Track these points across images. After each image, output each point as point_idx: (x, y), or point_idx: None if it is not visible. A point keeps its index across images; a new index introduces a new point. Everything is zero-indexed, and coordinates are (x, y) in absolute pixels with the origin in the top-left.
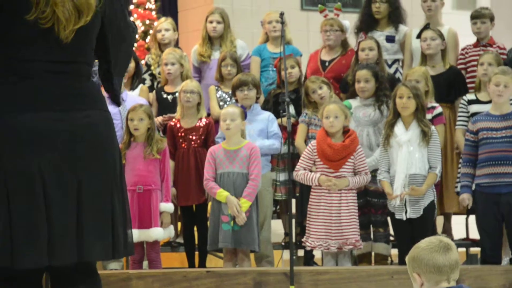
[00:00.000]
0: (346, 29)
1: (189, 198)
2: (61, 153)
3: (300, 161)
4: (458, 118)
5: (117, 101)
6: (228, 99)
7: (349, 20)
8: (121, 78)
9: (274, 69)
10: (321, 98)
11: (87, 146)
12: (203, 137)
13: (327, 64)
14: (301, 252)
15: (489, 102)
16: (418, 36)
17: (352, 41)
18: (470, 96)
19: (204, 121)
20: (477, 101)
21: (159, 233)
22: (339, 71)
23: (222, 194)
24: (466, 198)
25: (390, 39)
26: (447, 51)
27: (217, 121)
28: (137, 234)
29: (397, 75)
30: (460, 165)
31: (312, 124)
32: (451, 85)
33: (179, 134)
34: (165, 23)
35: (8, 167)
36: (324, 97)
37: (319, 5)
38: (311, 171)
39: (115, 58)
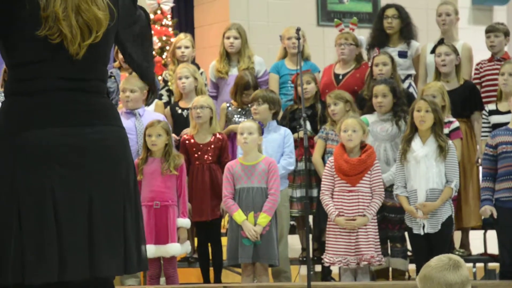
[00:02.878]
0: (361, 44)
1: (203, 214)
2: (73, 169)
3: (322, 181)
4: (482, 130)
5: (156, 94)
6: (240, 115)
7: (364, 35)
8: (152, 68)
9: (293, 85)
10: (333, 114)
11: (99, 161)
12: (217, 153)
13: (340, 77)
14: (318, 268)
15: (509, 112)
16: (433, 51)
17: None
18: (491, 106)
19: (218, 136)
20: (497, 112)
21: (176, 248)
22: (353, 84)
23: (239, 217)
24: (488, 209)
25: (402, 54)
26: (461, 66)
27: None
28: (154, 250)
29: (410, 90)
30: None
31: (329, 139)
32: (465, 100)
33: (193, 149)
34: (185, 40)
35: (20, 183)
36: (336, 114)
37: (335, 20)
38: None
39: (142, 57)
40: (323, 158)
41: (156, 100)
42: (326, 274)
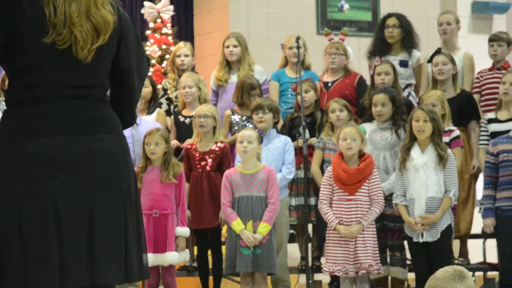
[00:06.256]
0: (349, 55)
1: (202, 222)
2: (74, 177)
3: (321, 190)
4: (480, 138)
5: (134, 121)
6: (245, 123)
7: (364, 44)
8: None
9: (294, 93)
10: (338, 120)
11: (101, 170)
12: (217, 161)
13: (330, 84)
14: (317, 276)
15: (508, 120)
16: (430, 61)
17: (355, 65)
18: (490, 115)
19: (219, 145)
20: (496, 120)
21: (174, 257)
22: (343, 89)
23: (237, 226)
24: (491, 224)
25: (403, 63)
26: (457, 75)
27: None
28: (152, 258)
29: (410, 99)
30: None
31: (327, 148)
32: (462, 110)
33: (195, 157)
34: (184, 48)
35: (21, 191)
36: (341, 120)
37: (326, 29)
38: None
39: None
40: (322, 168)
41: (157, 109)
42: (331, 283)
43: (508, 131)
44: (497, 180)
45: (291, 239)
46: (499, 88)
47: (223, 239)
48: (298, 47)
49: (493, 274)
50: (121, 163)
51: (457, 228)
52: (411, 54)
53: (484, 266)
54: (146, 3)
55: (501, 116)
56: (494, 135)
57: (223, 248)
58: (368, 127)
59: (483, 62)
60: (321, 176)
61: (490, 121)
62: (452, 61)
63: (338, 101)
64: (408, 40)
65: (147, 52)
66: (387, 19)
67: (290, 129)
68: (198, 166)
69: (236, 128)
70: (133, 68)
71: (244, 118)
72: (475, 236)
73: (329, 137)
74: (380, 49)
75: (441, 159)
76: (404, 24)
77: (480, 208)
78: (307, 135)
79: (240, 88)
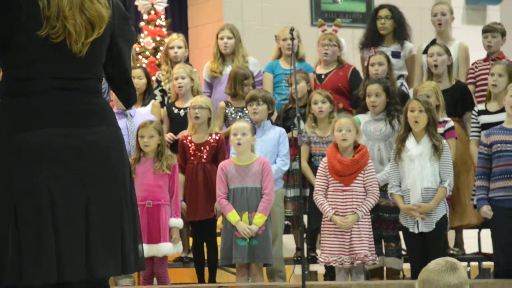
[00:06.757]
0: (343, 46)
1: (197, 213)
2: (70, 169)
3: (316, 181)
4: (471, 130)
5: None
6: (239, 114)
7: (358, 35)
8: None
9: (287, 85)
10: (320, 112)
11: (96, 162)
12: (213, 153)
13: (323, 77)
14: (313, 267)
15: (498, 112)
16: (425, 52)
17: (349, 57)
18: (480, 106)
19: (214, 136)
20: (486, 112)
21: (169, 248)
22: (337, 81)
23: (233, 217)
24: (488, 210)
25: (395, 55)
26: (453, 66)
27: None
28: (146, 249)
29: (402, 89)
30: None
31: (312, 142)
32: (457, 100)
33: (190, 149)
34: (177, 40)
35: (17, 184)
36: (323, 112)
37: (319, 20)
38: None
39: (126, 64)
40: (311, 162)
41: (152, 101)
42: (326, 274)
43: (498, 122)
44: (490, 171)
45: (287, 230)
46: (488, 80)
47: (218, 230)
48: (292, 39)
49: (488, 264)
50: (116, 155)
51: (461, 218)
52: (403, 45)
53: (479, 256)
54: None
55: (491, 107)
56: (485, 126)
57: (219, 239)
58: (362, 118)
59: (477, 53)
60: (310, 170)
61: (480, 112)
62: (448, 52)
63: (320, 92)
64: (400, 31)
65: (141, 44)
66: (379, 10)
67: (284, 121)
68: (193, 158)
69: (230, 119)
70: (125, 54)
71: (238, 109)
72: (471, 227)
73: (313, 129)
74: (372, 40)
75: (436, 150)
76: (396, 16)
77: (472, 199)
78: (302, 126)
79: (233, 79)
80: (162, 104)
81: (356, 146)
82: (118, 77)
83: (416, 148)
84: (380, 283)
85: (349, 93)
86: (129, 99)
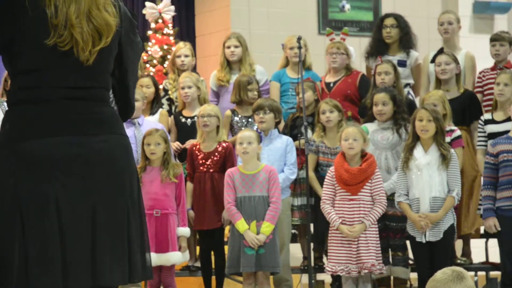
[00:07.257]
0: (351, 54)
1: (204, 222)
2: (77, 178)
3: (323, 190)
4: (477, 139)
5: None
6: (245, 123)
7: (366, 44)
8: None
9: (294, 93)
10: (328, 121)
11: (103, 170)
12: (221, 161)
13: (331, 85)
14: (319, 276)
15: (504, 121)
16: (433, 61)
17: (356, 66)
18: (487, 116)
19: (223, 145)
20: (492, 121)
21: (178, 257)
22: (345, 89)
23: (241, 226)
24: (493, 225)
25: (401, 63)
26: (461, 75)
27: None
28: (155, 258)
29: (409, 98)
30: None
31: (320, 152)
32: (465, 109)
33: (198, 158)
34: (184, 49)
35: (23, 192)
36: (331, 121)
37: (327, 29)
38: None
39: (132, 73)
40: (317, 171)
41: (160, 110)
42: (333, 283)
43: (505, 131)
44: (497, 180)
45: (293, 239)
46: (494, 89)
47: (225, 239)
48: (299, 47)
49: (496, 273)
50: (123, 164)
51: (469, 226)
52: (409, 54)
53: (487, 265)
54: (147, 4)
55: (497, 117)
56: (491, 136)
57: (226, 248)
58: (369, 127)
59: (484, 62)
60: (317, 181)
61: (487, 122)
62: (455, 60)
63: (328, 101)
64: (406, 40)
65: (149, 53)
66: (385, 19)
67: (291, 130)
68: (202, 167)
69: (236, 128)
70: (130, 68)
71: (244, 118)
72: (478, 236)
73: (321, 138)
74: (378, 49)
75: (444, 159)
76: (402, 24)
77: (479, 209)
78: (309, 135)
79: (237, 86)
80: (169, 112)
81: (363, 155)
82: (119, 87)
83: (424, 158)
84: None
85: (358, 100)
86: (126, 112)
